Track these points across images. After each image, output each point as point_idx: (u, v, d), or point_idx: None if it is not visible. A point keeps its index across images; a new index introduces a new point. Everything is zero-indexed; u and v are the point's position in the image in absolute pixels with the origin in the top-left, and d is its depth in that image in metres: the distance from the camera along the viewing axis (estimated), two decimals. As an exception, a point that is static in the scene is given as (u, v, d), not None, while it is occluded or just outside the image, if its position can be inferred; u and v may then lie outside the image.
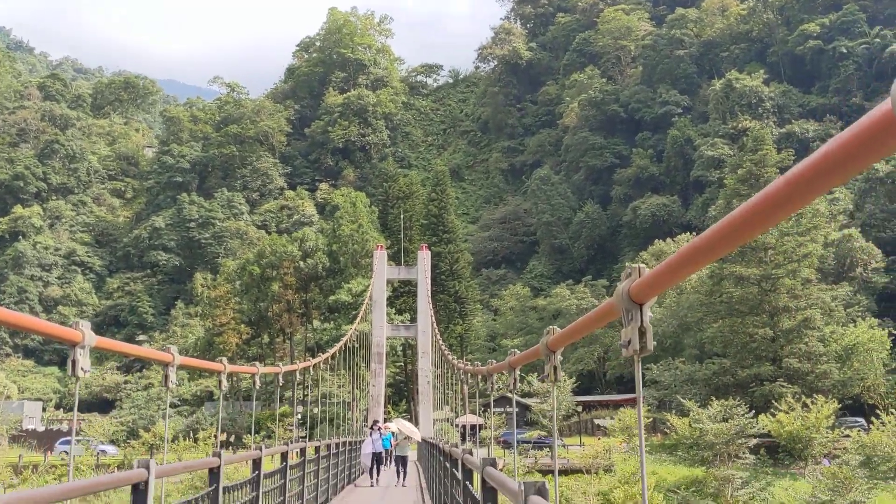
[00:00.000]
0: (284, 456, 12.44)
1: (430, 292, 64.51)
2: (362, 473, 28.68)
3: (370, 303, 63.78)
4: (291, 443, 13.91)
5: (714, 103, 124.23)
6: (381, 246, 71.69)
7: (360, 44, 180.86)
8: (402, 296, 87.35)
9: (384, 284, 66.58)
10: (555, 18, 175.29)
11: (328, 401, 62.28)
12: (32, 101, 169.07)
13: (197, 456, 51.01)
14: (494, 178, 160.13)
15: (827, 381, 61.88)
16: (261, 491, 9.73)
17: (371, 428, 27.40)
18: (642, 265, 3.13)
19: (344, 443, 25.00)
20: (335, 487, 21.65)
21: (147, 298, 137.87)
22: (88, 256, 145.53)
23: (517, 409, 47.62)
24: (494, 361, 8.84)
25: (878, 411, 54.93)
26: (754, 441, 49.45)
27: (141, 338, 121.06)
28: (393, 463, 27.43)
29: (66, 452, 62.48)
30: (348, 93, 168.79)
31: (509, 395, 63.40)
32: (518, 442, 62.19)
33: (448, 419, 55.70)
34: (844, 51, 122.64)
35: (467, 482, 7.20)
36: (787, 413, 52.40)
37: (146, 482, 5.09)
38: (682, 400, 54.27)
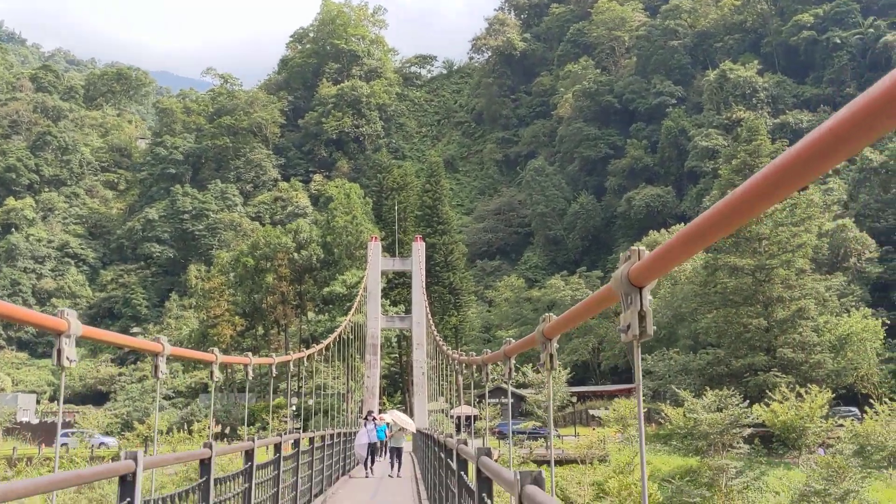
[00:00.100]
0: (278, 447, 12.35)
1: (424, 283, 64.40)
2: (357, 464, 28.63)
3: (364, 294, 63.67)
4: (285, 434, 13.82)
5: (708, 94, 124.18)
6: (376, 237, 71.50)
7: (353, 35, 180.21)
8: (396, 287, 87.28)
9: (378, 276, 66.46)
10: (549, 9, 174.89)
11: (323, 392, 62.22)
12: (24, 93, 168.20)
13: (192, 448, 50.94)
14: (489, 169, 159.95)
15: (821, 371, 62.07)
16: (253, 482, 9.63)
17: (365, 419, 27.33)
18: (642, 247, 3.04)
19: (339, 434, 24.93)
20: (330, 479, 21.59)
21: (141, 290, 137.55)
22: (82, 248, 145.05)
23: (512, 400, 47.55)
24: (489, 351, 8.75)
25: (871, 401, 55.18)
26: (748, 431, 49.54)
27: (135, 330, 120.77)
28: (388, 454, 27.39)
29: (64, 445, 62.32)
30: (342, 84, 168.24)
31: (504, 385, 63.50)
32: (513, 433, 62.25)
33: (443, 410, 55.69)
34: (838, 41, 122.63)
35: (462, 472, 7.11)
36: (781, 403, 52.56)
37: (134, 474, 4.99)
38: (676, 390, 54.37)
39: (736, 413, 48.61)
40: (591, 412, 70.16)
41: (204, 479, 7.30)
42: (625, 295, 2.99)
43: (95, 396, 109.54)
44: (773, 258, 65.41)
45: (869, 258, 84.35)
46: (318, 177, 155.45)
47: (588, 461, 45.47)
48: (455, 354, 16.60)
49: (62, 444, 63.88)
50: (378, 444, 27.31)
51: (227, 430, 70.69)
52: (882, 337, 67.89)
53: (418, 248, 66.64)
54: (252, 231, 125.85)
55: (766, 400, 54.41)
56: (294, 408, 61.22)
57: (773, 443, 53.97)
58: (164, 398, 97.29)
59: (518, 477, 3.19)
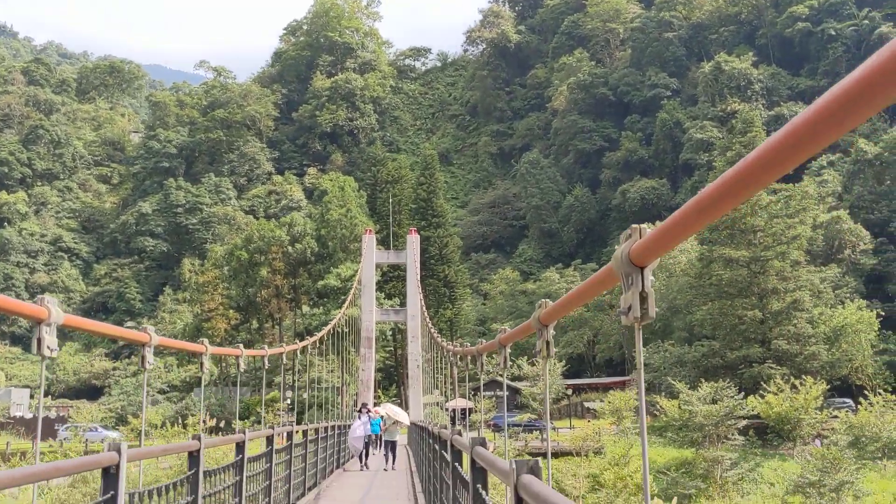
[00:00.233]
0: (270, 440, 12.20)
1: (419, 276, 64.30)
2: (351, 458, 28.50)
3: (359, 287, 63.53)
4: (277, 427, 13.67)
5: (703, 86, 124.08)
6: (370, 230, 71.35)
7: (347, 27, 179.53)
8: (391, 280, 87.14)
9: (373, 269, 66.32)
10: (543, 1, 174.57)
11: (318, 386, 62.11)
12: (16, 86, 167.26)
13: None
14: (483, 162, 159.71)
15: (815, 363, 62.14)
16: (244, 475, 9.48)
17: (359, 411, 27.18)
18: (643, 226, 2.89)
19: (333, 427, 24.79)
20: (324, 472, 21.46)
21: (135, 285, 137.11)
22: (75, 243, 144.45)
23: (507, 393, 47.59)
24: (484, 342, 8.61)
25: (865, 392, 55.33)
26: (743, 422, 49.58)
27: (129, 324, 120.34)
28: (382, 447, 27.25)
29: (86, 440, 62.11)
30: (336, 77, 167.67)
31: (499, 377, 63.46)
32: (508, 425, 62.20)
33: (438, 403, 55.62)
34: (833, 33, 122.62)
35: (456, 463, 6.97)
36: (775, 394, 52.59)
37: (117, 466, 4.83)
38: (672, 381, 54.36)
39: (731, 405, 48.65)
40: (586, 405, 70.19)
41: (193, 471, 7.15)
42: (625, 275, 2.85)
43: (89, 391, 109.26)
44: (768, 250, 65.41)
45: (863, 250, 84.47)
46: (312, 170, 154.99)
47: (583, 453, 45.43)
48: (450, 346, 16.48)
49: (63, 439, 63.57)
50: (373, 438, 27.17)
51: (223, 424, 70.54)
52: (876, 328, 68.06)
53: (413, 241, 66.52)
54: (246, 225, 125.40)
55: (760, 391, 54.46)
56: (289, 401, 61.10)
57: (768, 434, 54.04)
58: (158, 392, 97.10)
59: (514, 466, 3.04)
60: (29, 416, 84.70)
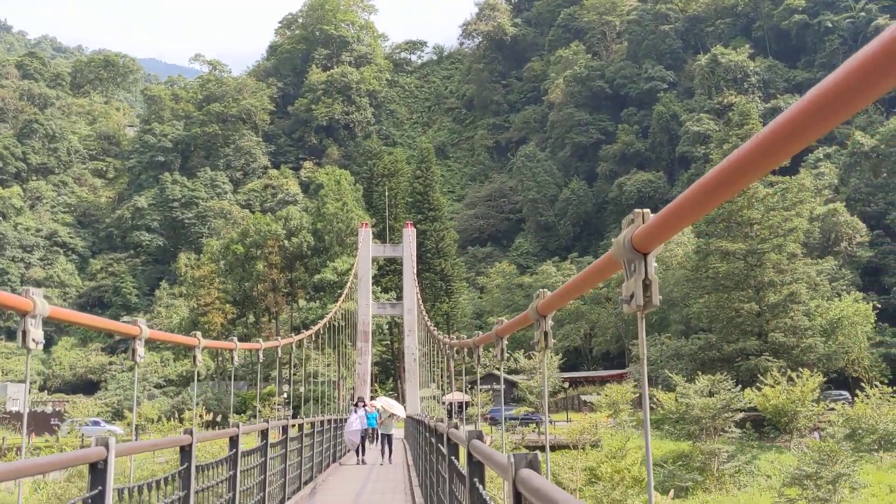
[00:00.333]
0: (265, 434, 12.09)
1: (415, 270, 64.18)
2: (347, 451, 28.41)
3: (355, 281, 63.38)
4: (272, 421, 13.55)
5: (699, 78, 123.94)
6: (366, 224, 71.20)
7: (343, 20, 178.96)
8: (387, 274, 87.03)
9: (369, 262, 66.21)
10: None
11: (314, 380, 62.01)
12: (10, 80, 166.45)
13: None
14: (480, 155, 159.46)
15: (812, 355, 62.17)
16: (238, 469, 9.37)
17: (356, 405, 27.06)
18: (646, 210, 2.76)
19: (329, 421, 24.69)
20: (320, 466, 21.37)
21: (131, 279, 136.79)
22: (71, 237, 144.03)
23: (504, 386, 47.53)
24: (481, 333, 8.50)
25: (862, 384, 55.42)
26: (740, 415, 49.63)
27: (125, 318, 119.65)
28: (378, 441, 27.17)
29: (83, 435, 61.95)
30: (332, 70, 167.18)
31: (496, 371, 63.44)
32: (505, 418, 62.19)
33: (435, 397, 55.58)
34: (830, 25, 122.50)
35: (453, 457, 6.86)
36: (772, 387, 52.63)
37: (105, 461, 4.71)
38: (669, 374, 54.36)
39: (728, 397, 48.69)
40: (582, 398, 70.22)
41: (184, 466, 7.03)
42: (627, 262, 2.73)
43: (86, 385, 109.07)
44: (765, 242, 65.38)
45: (860, 242, 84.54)
46: (308, 164, 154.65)
47: (580, 446, 45.42)
48: (446, 339, 16.37)
49: (68, 433, 63.35)
50: (370, 432, 27.08)
51: (219, 419, 70.42)
52: (873, 321, 68.13)
53: (409, 235, 66.40)
54: (242, 219, 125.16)
55: (757, 384, 54.50)
56: (285, 395, 61.02)
57: (765, 427, 54.10)
58: (155, 387, 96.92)
59: (512, 460, 2.91)
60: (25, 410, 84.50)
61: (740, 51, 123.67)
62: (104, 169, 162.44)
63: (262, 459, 11.58)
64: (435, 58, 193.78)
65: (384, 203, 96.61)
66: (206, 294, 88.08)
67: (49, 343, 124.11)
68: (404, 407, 47.04)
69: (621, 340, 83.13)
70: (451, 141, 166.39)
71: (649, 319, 78.68)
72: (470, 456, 4.81)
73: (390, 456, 25.88)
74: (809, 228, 76.21)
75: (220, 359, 79.51)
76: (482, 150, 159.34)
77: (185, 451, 7.10)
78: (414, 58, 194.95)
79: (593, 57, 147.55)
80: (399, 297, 70.73)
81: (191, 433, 7.19)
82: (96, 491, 4.69)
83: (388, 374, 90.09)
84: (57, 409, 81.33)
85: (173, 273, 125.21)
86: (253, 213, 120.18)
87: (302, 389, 46.05)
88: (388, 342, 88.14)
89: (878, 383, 53.95)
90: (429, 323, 34.74)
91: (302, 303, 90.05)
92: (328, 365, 68.54)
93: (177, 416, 62.86)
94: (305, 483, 17.80)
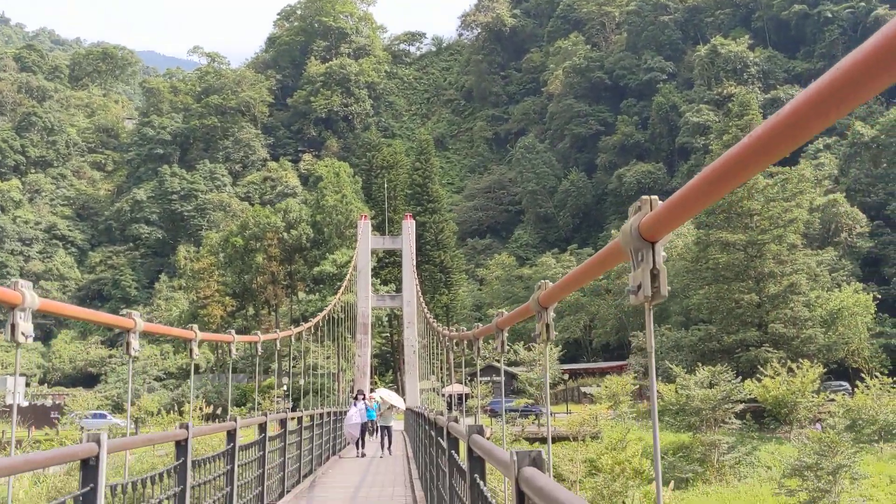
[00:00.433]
0: (263, 427, 11.98)
1: (415, 262, 64.05)
2: (347, 444, 28.34)
3: (355, 273, 63.25)
4: (271, 413, 13.46)
5: (699, 69, 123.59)
6: (366, 216, 71.01)
7: (341, 12, 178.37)
8: (387, 266, 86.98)
9: (369, 254, 66.06)
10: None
11: (314, 372, 61.97)
12: (8, 73, 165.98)
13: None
14: (479, 147, 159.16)
15: (812, 346, 62.12)
16: (236, 464, 9.27)
17: (356, 398, 26.98)
18: (654, 197, 2.63)
19: (328, 413, 24.60)
20: (320, 458, 21.29)
21: (130, 272, 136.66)
22: (70, 230, 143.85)
23: (503, 378, 47.40)
24: (481, 325, 8.39)
25: (862, 375, 55.36)
26: (740, 406, 49.57)
27: (125, 311, 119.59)
28: (378, 434, 27.10)
29: (82, 427, 61.93)
30: (330, 62, 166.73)
31: (495, 363, 63.39)
32: (504, 410, 62.13)
33: (434, 389, 55.52)
34: (829, 15, 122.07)
35: (453, 451, 6.75)
36: (772, 378, 52.58)
37: (97, 457, 4.60)
38: (669, 365, 54.29)
39: (728, 389, 48.62)
40: (582, 389, 70.20)
41: (180, 461, 6.92)
42: (635, 251, 2.60)
43: (86, 378, 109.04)
44: (765, 233, 65.24)
45: (860, 233, 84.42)
46: (307, 156, 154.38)
47: (580, 438, 45.38)
48: (446, 331, 16.26)
49: (81, 427, 63.21)
50: (369, 424, 27.00)
51: (219, 411, 70.43)
52: (873, 311, 68.07)
53: (408, 227, 66.23)
54: (241, 211, 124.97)
55: (757, 375, 54.45)
56: (285, 387, 61.00)
57: (765, 418, 54.07)
58: (155, 380, 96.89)
59: (515, 458, 2.79)
60: (25, 403, 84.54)
61: (740, 41, 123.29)
62: (103, 162, 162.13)
63: (261, 453, 11.48)
64: (434, 49, 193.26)
65: (383, 195, 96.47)
66: (205, 287, 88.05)
67: (49, 336, 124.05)
68: (404, 399, 47.01)
69: (621, 332, 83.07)
70: (450, 133, 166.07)
71: (649, 311, 78.59)
72: (470, 451, 4.70)
73: (390, 448, 25.81)
74: (809, 219, 76.10)
75: (220, 351, 79.50)
76: (481, 141, 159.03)
77: (181, 446, 6.99)
78: (413, 49, 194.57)
79: (592, 48, 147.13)
80: (398, 289, 70.64)
81: (187, 427, 7.08)
82: (88, 488, 4.58)
83: (388, 366, 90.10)
84: (57, 403, 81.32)
85: (173, 266, 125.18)
86: (252, 205, 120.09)
87: (302, 382, 46.03)
88: (388, 334, 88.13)
89: (878, 374, 53.90)
90: (428, 315, 34.65)
91: (301, 295, 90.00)
92: (328, 357, 68.53)
93: (177, 408, 62.83)
94: (305, 476, 17.72)
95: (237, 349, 11.28)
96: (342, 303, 54.40)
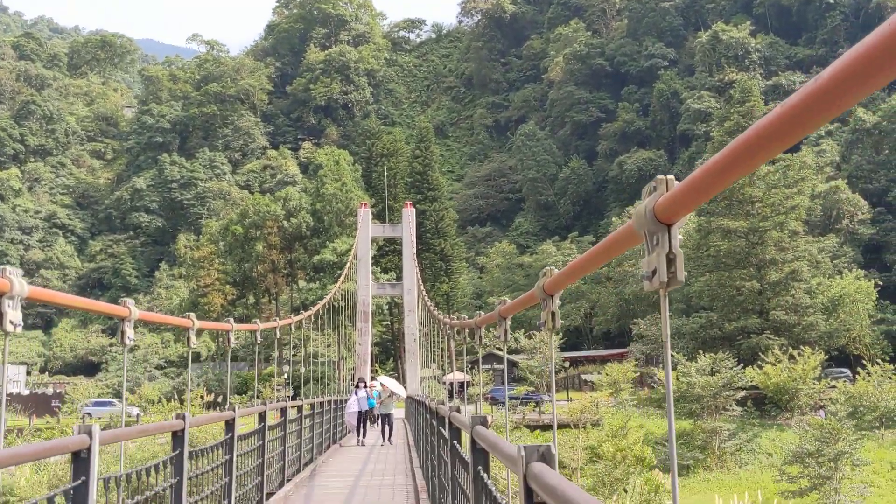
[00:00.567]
0: (263, 416, 11.86)
1: (415, 250, 63.85)
2: (348, 433, 28.27)
3: (355, 261, 63.06)
4: (270, 402, 13.34)
5: (700, 56, 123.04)
6: (366, 204, 70.73)
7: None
8: (387, 254, 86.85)
9: (369, 242, 65.85)
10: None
11: (314, 361, 61.93)
12: (7, 61, 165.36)
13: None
14: (479, 134, 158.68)
15: (813, 333, 62.08)
16: (235, 454, 9.14)
17: (356, 386, 26.88)
18: (670, 176, 2.47)
19: (329, 402, 24.51)
20: (320, 447, 21.21)
21: (130, 261, 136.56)
22: (70, 219, 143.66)
23: (506, 367, 47.37)
24: (482, 313, 8.24)
25: (863, 362, 55.32)
26: (741, 393, 49.61)
27: (122, 300, 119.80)
28: (378, 422, 27.00)
29: (89, 415, 61.81)
30: (330, 49, 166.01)
31: (496, 351, 63.34)
32: (506, 398, 62.05)
33: (435, 377, 55.50)
34: (831, 1, 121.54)
35: (455, 442, 6.62)
36: (773, 365, 52.58)
37: (88, 449, 4.46)
38: (671, 353, 54.23)
39: (729, 376, 48.63)
40: (583, 377, 70.22)
41: (177, 452, 6.79)
42: (649, 234, 2.44)
43: (86, 367, 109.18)
44: (766, 220, 65.08)
45: (861, 220, 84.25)
46: (307, 144, 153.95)
47: (581, 425, 45.37)
48: (447, 319, 16.13)
49: (87, 414, 63.05)
50: (369, 412, 26.86)
51: (220, 399, 70.44)
52: (874, 298, 68.02)
53: (408, 214, 65.99)
54: (241, 199, 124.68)
55: (758, 362, 54.44)
56: (285, 376, 60.97)
57: (766, 405, 54.09)
58: (155, 368, 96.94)
59: (523, 453, 2.64)
60: (26, 392, 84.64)
61: (741, 27, 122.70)
62: (102, 150, 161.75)
63: (260, 443, 11.36)
64: (434, 36, 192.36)
65: (383, 183, 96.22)
66: (205, 275, 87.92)
67: (49, 325, 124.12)
68: (405, 387, 46.96)
69: (622, 320, 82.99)
70: (450, 120, 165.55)
71: (649, 298, 78.43)
72: (473, 442, 4.55)
73: (391, 436, 25.73)
74: (811, 206, 75.87)
75: (221, 340, 79.33)
76: (481, 129, 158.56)
77: (178, 437, 6.86)
78: (412, 36, 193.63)
79: (593, 34, 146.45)
80: (399, 278, 70.49)
81: (183, 418, 6.95)
82: (79, 481, 4.44)
83: (389, 354, 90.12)
84: (58, 391, 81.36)
85: (173, 254, 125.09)
86: (252, 193, 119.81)
87: (302, 370, 46.01)
88: (389, 322, 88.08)
89: (879, 361, 53.90)
90: (429, 303, 34.51)
91: (302, 283, 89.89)
92: (328, 346, 68.48)
93: (177, 397, 62.83)
94: (305, 465, 17.64)
95: (237, 338, 11.15)
96: (342, 291, 54.27)
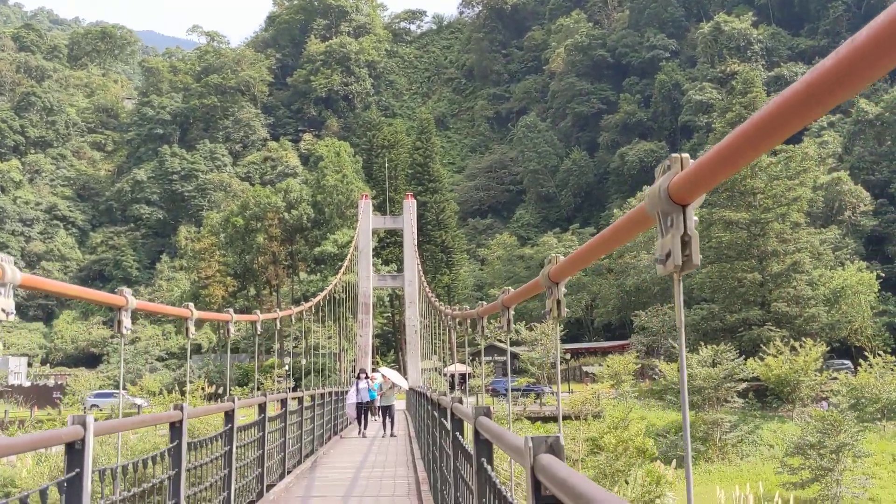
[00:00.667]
0: (262, 407, 11.76)
1: (416, 242, 63.78)
2: (349, 424, 28.19)
3: (356, 253, 62.98)
4: (270, 394, 13.24)
5: (702, 47, 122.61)
6: (366, 195, 70.66)
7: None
8: (388, 246, 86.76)
9: (370, 234, 65.79)
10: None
11: (315, 352, 61.91)
12: (7, 53, 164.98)
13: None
14: (480, 126, 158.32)
15: (815, 325, 62.00)
16: (234, 445, 9.05)
17: (357, 377, 26.75)
18: (685, 154, 2.35)
19: (330, 393, 24.42)
20: (321, 439, 21.14)
21: (131, 252, 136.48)
22: (70, 211, 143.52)
23: (506, 358, 47.35)
24: (485, 304, 8.13)
25: (865, 353, 55.25)
26: (743, 385, 49.50)
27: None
28: (379, 414, 26.88)
29: (96, 406, 61.85)
30: (330, 41, 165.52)
31: (497, 343, 63.29)
32: (508, 390, 62.12)
33: (436, 368, 55.48)
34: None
35: (457, 433, 6.51)
36: (775, 357, 52.49)
37: (83, 440, 4.35)
38: (672, 344, 54.15)
39: (730, 367, 48.52)
40: (584, 369, 70.21)
41: (175, 443, 6.69)
42: (663, 215, 2.31)
43: (88, 359, 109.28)
44: (768, 212, 64.92)
45: (863, 211, 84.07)
46: (307, 136, 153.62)
47: (582, 417, 45.32)
48: (448, 310, 16.02)
49: (95, 406, 63.05)
50: (370, 404, 26.71)
51: (221, 391, 70.48)
52: (876, 290, 67.90)
53: (409, 206, 65.89)
54: (242, 191, 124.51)
55: (760, 354, 54.36)
56: (286, 367, 60.98)
57: (768, 397, 54.03)
58: (156, 359, 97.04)
59: (531, 444, 2.52)
60: (27, 384, 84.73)
61: (743, 18, 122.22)
62: (103, 142, 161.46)
63: (260, 434, 11.27)
64: (434, 27, 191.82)
65: (384, 175, 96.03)
66: (206, 267, 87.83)
67: (51, 316, 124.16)
68: (406, 379, 46.89)
69: (623, 311, 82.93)
70: (450, 112, 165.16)
71: (650, 290, 78.39)
72: (477, 433, 4.44)
73: (393, 428, 25.65)
74: (813, 197, 75.68)
75: (222, 331, 79.32)
76: (482, 120, 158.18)
77: (176, 428, 6.76)
78: (413, 27, 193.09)
79: (595, 25, 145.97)
80: (400, 269, 70.41)
81: (181, 408, 6.85)
82: (73, 473, 4.33)
83: (390, 346, 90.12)
84: (59, 383, 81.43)
85: (174, 246, 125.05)
86: (252, 185, 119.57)
87: (303, 362, 45.97)
88: (389, 314, 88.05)
89: (881, 352, 53.83)
90: (430, 294, 34.41)
91: (303, 275, 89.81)
92: (329, 337, 68.45)
93: (178, 388, 62.85)
94: (306, 457, 17.57)
95: (238, 329, 11.04)
96: (343, 283, 54.19)
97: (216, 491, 8.57)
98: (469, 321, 11.11)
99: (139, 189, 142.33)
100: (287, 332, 64.52)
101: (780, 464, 39.37)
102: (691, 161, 2.26)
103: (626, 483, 33.24)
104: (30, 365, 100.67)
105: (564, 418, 46.23)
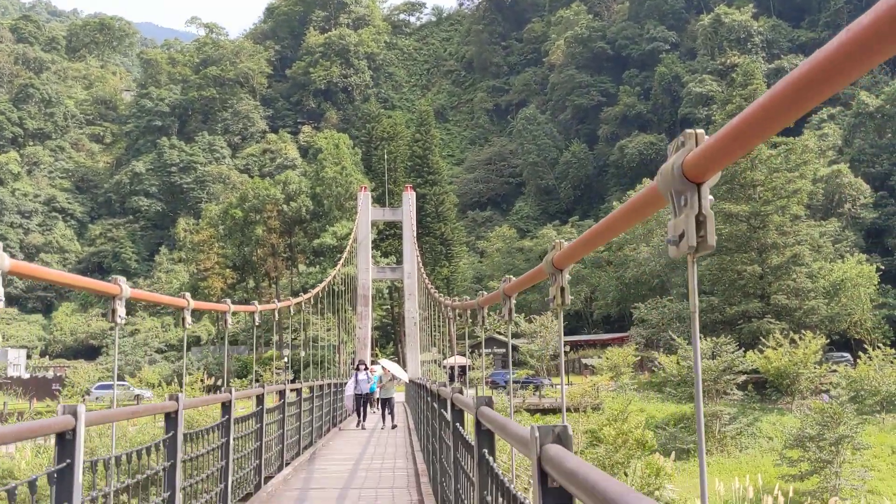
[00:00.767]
0: (260, 399, 11.66)
1: (415, 234, 63.63)
2: (348, 416, 28.11)
3: (355, 245, 62.83)
4: (268, 385, 13.14)
5: (702, 39, 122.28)
6: (366, 187, 70.44)
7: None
8: (387, 238, 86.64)
9: (369, 226, 65.60)
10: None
11: (314, 344, 61.84)
12: (5, 44, 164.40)
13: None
14: (479, 118, 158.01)
15: (814, 317, 61.97)
16: (231, 436, 8.94)
17: (356, 369, 26.63)
18: (700, 130, 2.23)
19: (329, 385, 24.33)
20: (320, 430, 21.06)
21: (130, 244, 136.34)
22: (69, 203, 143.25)
23: (505, 350, 47.34)
24: (486, 293, 8.01)
25: (864, 346, 55.23)
26: (742, 377, 49.47)
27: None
28: (379, 407, 26.80)
29: (100, 398, 61.71)
30: (329, 32, 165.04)
31: (497, 336, 63.25)
32: (506, 382, 62.14)
33: (435, 360, 55.43)
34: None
35: (457, 424, 6.40)
36: (774, 349, 52.46)
37: (74, 431, 4.24)
38: (673, 336, 54.07)
39: (730, 360, 48.47)
40: (584, 361, 70.18)
41: (170, 434, 6.58)
42: (676, 194, 2.18)
43: (87, 351, 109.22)
44: (768, 204, 64.80)
45: (863, 204, 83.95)
46: (306, 128, 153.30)
47: (581, 409, 45.30)
48: (448, 301, 15.91)
49: (96, 398, 62.90)
50: (369, 396, 26.61)
51: (220, 383, 70.44)
52: (876, 282, 67.85)
53: (409, 198, 65.69)
54: (241, 183, 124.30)
55: (759, 346, 54.31)
56: (285, 359, 60.92)
57: (767, 389, 54.01)
58: (156, 352, 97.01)
59: (537, 434, 2.40)
60: (26, 376, 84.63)
61: (744, 10, 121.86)
62: (101, 134, 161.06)
63: (258, 426, 11.17)
64: (434, 19, 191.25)
65: (383, 167, 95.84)
66: (205, 259, 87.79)
67: (50, 308, 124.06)
68: (406, 370, 46.84)
69: (622, 304, 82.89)
70: (450, 104, 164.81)
71: (650, 282, 78.32)
72: (479, 424, 4.33)
73: (393, 420, 25.57)
74: (813, 190, 75.55)
75: (221, 323, 79.28)
76: (482, 112, 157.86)
77: (171, 419, 6.65)
78: (413, 19, 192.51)
79: (594, 17, 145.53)
80: (399, 262, 70.31)
81: (177, 399, 6.74)
82: (64, 464, 4.22)
83: (389, 338, 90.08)
84: (58, 375, 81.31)
85: (173, 238, 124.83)
86: (251, 177, 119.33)
87: (302, 354, 45.91)
88: (389, 306, 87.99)
89: (880, 345, 53.84)
90: (429, 286, 34.30)
91: (302, 267, 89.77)
92: (328, 329, 68.39)
93: (177, 380, 62.78)
94: (305, 448, 17.48)
95: (237, 321, 10.91)
96: (342, 275, 54.10)
97: (213, 482, 8.48)
98: (469, 312, 10.99)
99: (138, 181, 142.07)
100: (286, 324, 64.45)
101: (779, 456, 39.37)
102: (706, 137, 2.14)
103: (626, 475, 33.21)
104: (29, 357, 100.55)
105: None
